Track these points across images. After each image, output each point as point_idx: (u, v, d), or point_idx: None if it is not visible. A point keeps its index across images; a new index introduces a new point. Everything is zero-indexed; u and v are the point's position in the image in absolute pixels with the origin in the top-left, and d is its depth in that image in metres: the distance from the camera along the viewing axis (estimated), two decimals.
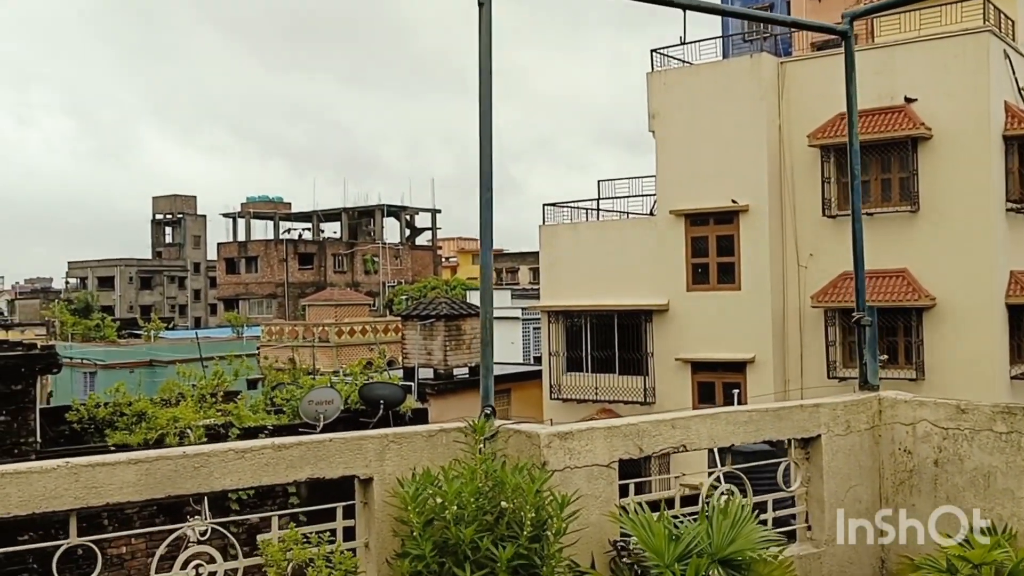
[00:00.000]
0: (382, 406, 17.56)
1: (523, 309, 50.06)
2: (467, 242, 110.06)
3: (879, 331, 22.81)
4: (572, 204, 27.84)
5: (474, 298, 41.03)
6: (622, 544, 4.18)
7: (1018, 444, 4.69)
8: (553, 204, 28.12)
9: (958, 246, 21.54)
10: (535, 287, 79.88)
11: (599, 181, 27.76)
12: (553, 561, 3.79)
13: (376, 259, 78.23)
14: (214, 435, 15.77)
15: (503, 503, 3.82)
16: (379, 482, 4.07)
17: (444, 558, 3.70)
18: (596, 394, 26.02)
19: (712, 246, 24.32)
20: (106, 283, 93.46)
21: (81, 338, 46.32)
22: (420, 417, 19.11)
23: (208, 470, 3.67)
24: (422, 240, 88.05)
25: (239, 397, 17.90)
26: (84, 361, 40.23)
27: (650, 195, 26.53)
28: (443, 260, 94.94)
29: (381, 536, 4.07)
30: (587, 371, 26.50)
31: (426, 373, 26.88)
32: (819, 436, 5.03)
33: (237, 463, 3.72)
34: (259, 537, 3.87)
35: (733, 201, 23.56)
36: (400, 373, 26.62)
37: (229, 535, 3.98)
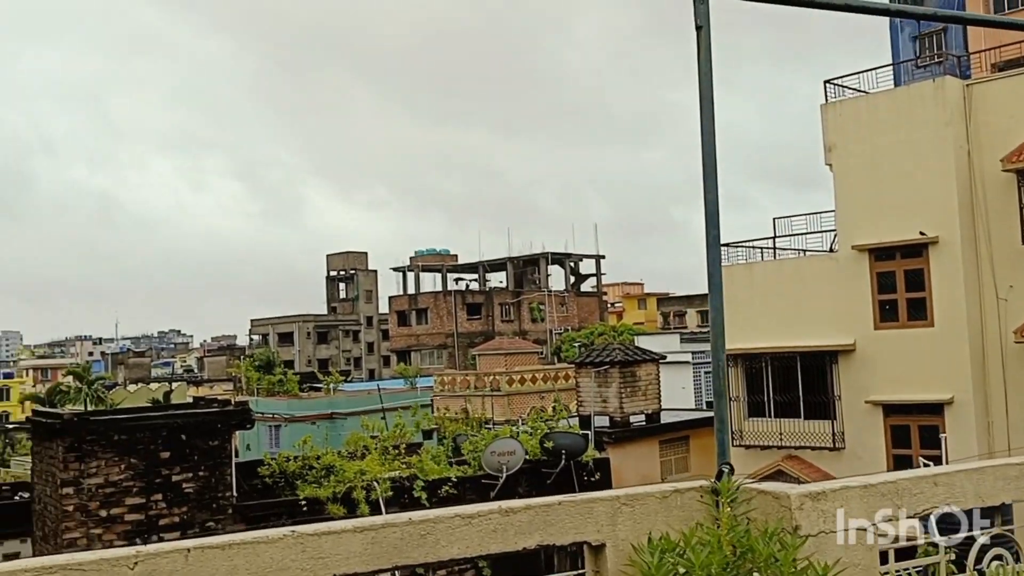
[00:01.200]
0: (563, 456, 17.28)
1: (693, 353, 49.06)
2: (632, 287, 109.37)
3: None
4: (746, 243, 27.02)
5: (643, 343, 40.37)
6: None
7: None
8: (727, 244, 27.37)
9: None
10: (704, 330, 78.45)
11: (774, 219, 26.87)
12: None
13: (542, 307, 78.53)
14: (399, 488, 15.86)
15: (756, 575, 3.43)
16: (612, 548, 3.75)
17: None
18: (780, 440, 24.95)
19: (900, 281, 23.04)
20: (286, 339, 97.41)
21: (265, 392, 48.17)
22: (602, 467, 18.72)
23: (435, 538, 3.44)
24: (586, 286, 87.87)
25: (421, 449, 17.99)
26: (274, 416, 41.72)
27: (829, 231, 25.45)
28: (608, 306, 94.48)
29: None
30: (770, 416, 25.46)
31: (601, 421, 26.45)
32: None
33: (464, 530, 3.48)
34: None
35: (921, 233, 22.28)
36: (575, 421, 26.32)
37: None
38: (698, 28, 3.97)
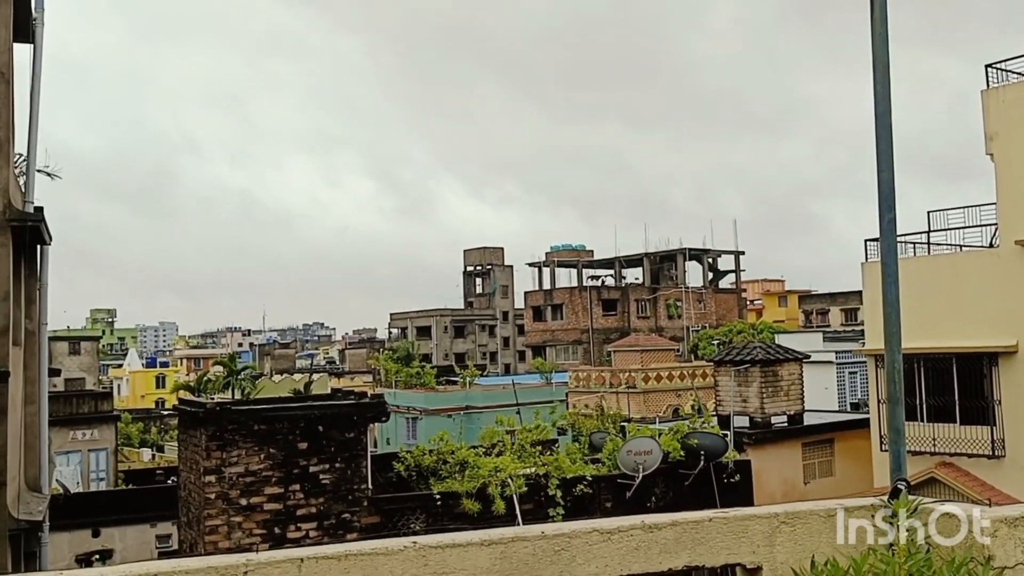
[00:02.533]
0: (703, 457, 16.70)
1: (837, 353, 47.29)
2: (772, 284, 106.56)
3: None
4: (899, 238, 25.66)
5: (784, 341, 39.05)
6: None
7: None
8: (875, 239, 26.07)
9: None
10: (847, 329, 75.63)
11: (928, 212, 25.43)
12: None
13: (679, 303, 77.31)
14: (534, 485, 15.61)
15: None
16: (769, 572, 3.34)
17: None
18: (934, 446, 23.58)
19: None
20: (423, 332, 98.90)
21: (403, 385, 48.82)
22: (743, 469, 18.06)
23: (570, 554, 3.11)
24: (724, 283, 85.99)
25: (556, 446, 17.71)
26: (409, 408, 42.21)
27: (989, 224, 23.91)
28: (748, 303, 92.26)
29: None
30: (921, 420, 24.11)
31: (741, 421, 25.58)
32: None
33: (602, 546, 3.14)
34: None
35: None
36: (714, 421, 25.55)
37: None
38: None
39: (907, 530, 3.23)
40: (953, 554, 3.17)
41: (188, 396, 38.10)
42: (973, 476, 22.52)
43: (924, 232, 25.65)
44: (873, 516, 3.42)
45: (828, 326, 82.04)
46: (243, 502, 13.48)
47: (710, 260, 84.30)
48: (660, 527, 3.19)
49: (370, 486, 14.50)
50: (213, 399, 25.09)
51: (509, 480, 14.85)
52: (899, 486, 3.41)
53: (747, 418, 25.87)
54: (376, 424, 22.58)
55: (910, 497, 3.26)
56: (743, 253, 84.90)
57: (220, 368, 59.86)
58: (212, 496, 13.39)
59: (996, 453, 22.35)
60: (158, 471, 40.63)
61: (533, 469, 15.65)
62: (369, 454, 14.95)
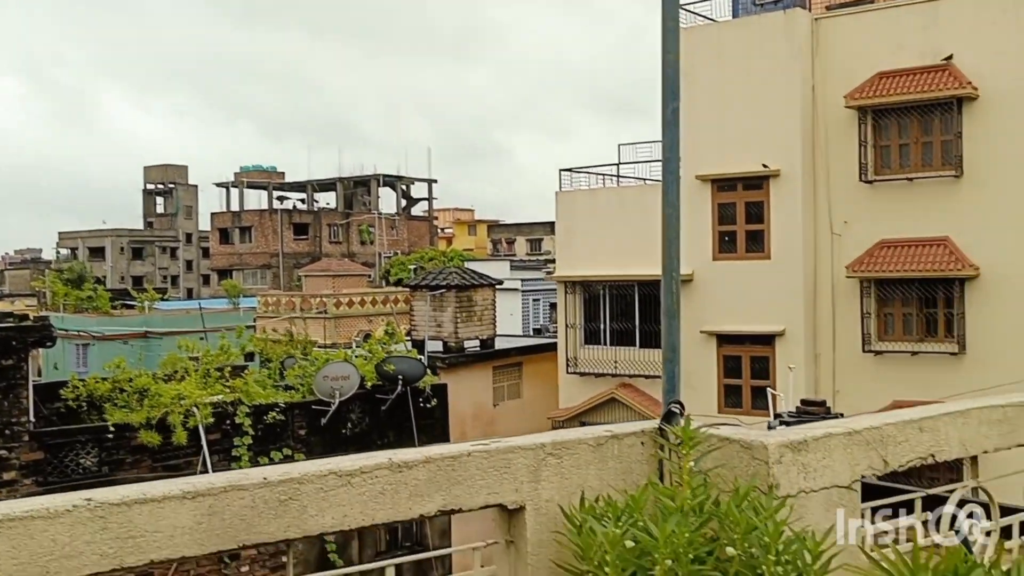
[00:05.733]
0: (400, 382, 16.36)
1: (523, 280, 48.92)
2: (463, 213, 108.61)
3: (918, 303, 21.73)
4: (590, 169, 26.53)
5: (473, 269, 39.68)
6: None
7: None
8: (569, 169, 26.82)
9: (1004, 213, 20.32)
10: (533, 258, 78.68)
11: (619, 145, 26.45)
12: None
13: (372, 229, 76.78)
14: (221, 414, 14.59)
15: (729, 550, 2.60)
16: (533, 513, 2.85)
17: None
18: (615, 368, 24.84)
19: (740, 213, 23.05)
20: (97, 254, 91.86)
21: (73, 309, 44.85)
22: (440, 393, 17.93)
23: (300, 504, 2.44)
24: (417, 211, 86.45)
25: (246, 372, 16.68)
26: (80, 333, 38.81)
27: None
28: (439, 231, 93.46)
29: None
30: (606, 344, 25.30)
31: (435, 346, 25.63)
32: None
33: (340, 492, 2.50)
34: None
35: (764, 166, 22.28)
36: (410, 346, 25.40)
37: None
38: None
39: (686, 457, 2.85)
40: (737, 483, 2.83)
41: None
42: (649, 396, 23.91)
43: (615, 164, 26.67)
44: (643, 444, 3.02)
45: (515, 255, 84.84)
46: None
47: (404, 187, 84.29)
48: (411, 465, 2.60)
49: (32, 419, 12.88)
50: None
51: (194, 408, 13.72)
52: (673, 408, 3.03)
53: (441, 343, 25.98)
54: (40, 350, 20.31)
55: (693, 427, 2.87)
56: (435, 181, 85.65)
57: None
58: None
59: None
60: None
61: (220, 396, 14.60)
62: (31, 383, 13.26)
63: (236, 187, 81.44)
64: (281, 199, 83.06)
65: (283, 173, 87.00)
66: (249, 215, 76.82)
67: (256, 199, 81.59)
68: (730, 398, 23.22)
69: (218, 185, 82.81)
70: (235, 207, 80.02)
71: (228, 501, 2.34)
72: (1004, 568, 3.13)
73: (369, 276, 63.48)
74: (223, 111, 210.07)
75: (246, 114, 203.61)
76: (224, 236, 77.16)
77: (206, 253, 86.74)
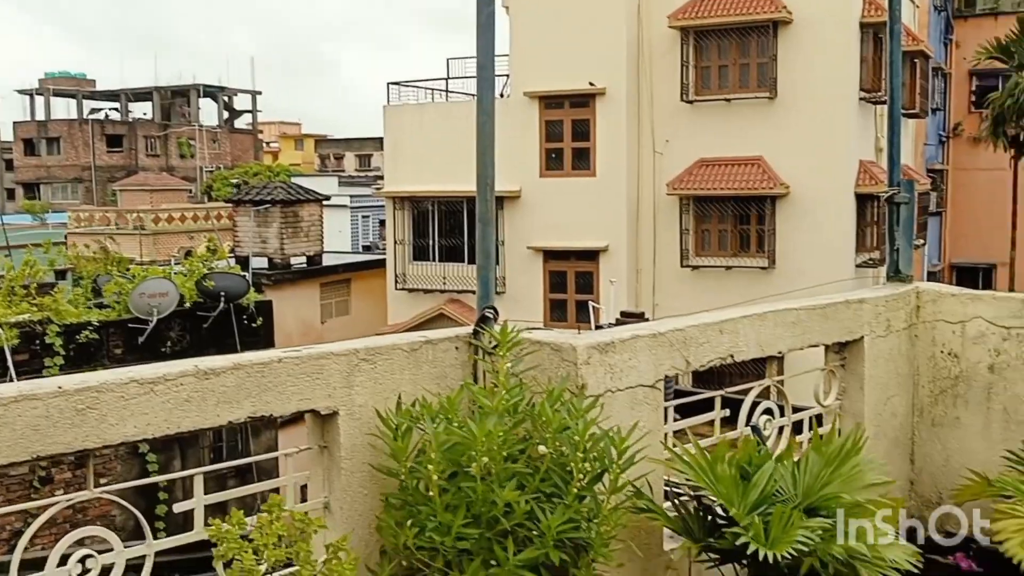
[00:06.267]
0: (223, 299, 15.94)
1: (352, 196, 48.24)
2: (289, 127, 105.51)
3: (732, 220, 22.73)
4: (418, 83, 26.19)
5: (300, 184, 38.80)
6: (675, 492, 3.14)
7: None
8: (397, 83, 26.40)
9: (813, 134, 21.36)
10: (362, 174, 77.49)
11: (448, 59, 26.19)
12: (606, 525, 2.70)
13: (192, 142, 73.63)
14: (28, 334, 13.86)
15: (541, 448, 2.68)
16: (347, 417, 2.84)
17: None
18: (444, 284, 24.98)
19: (567, 130, 23.35)
20: None
21: None
22: (264, 310, 17.58)
23: (99, 413, 2.35)
24: (241, 124, 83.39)
25: (55, 289, 15.85)
26: None
27: (502, 75, 25.15)
28: (264, 145, 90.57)
29: (350, 494, 2.86)
30: (434, 260, 25.36)
31: (260, 262, 25.06)
32: (861, 338, 4.11)
33: (142, 400, 2.42)
34: (179, 507, 2.60)
35: (590, 83, 22.56)
36: (233, 263, 24.72)
37: (130, 507, 2.68)
38: None
39: (501, 360, 2.90)
40: (549, 385, 2.91)
41: None
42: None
43: (444, 79, 26.40)
44: (458, 349, 3.06)
45: (343, 171, 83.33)
46: None
47: (226, 99, 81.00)
48: (218, 372, 2.55)
49: None
50: None
51: None
52: (487, 313, 3.07)
53: (266, 259, 25.42)
54: None
55: (508, 327, 2.92)
56: (260, 93, 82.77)
57: None
58: None
59: (498, 290, 24.12)
60: None
61: (28, 316, 13.86)
62: None
63: (41, 94, 76.22)
64: (93, 110, 78.41)
65: (94, 81, 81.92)
66: (57, 125, 72.25)
67: (64, 108, 76.73)
68: (555, 312, 23.77)
69: (20, 92, 77.33)
70: (40, 116, 75.05)
71: (19, 411, 2.23)
72: (795, 459, 3.36)
73: (190, 191, 61.19)
74: (28, 15, 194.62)
75: (52, 19, 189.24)
76: (29, 147, 72.43)
77: (9, 165, 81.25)
